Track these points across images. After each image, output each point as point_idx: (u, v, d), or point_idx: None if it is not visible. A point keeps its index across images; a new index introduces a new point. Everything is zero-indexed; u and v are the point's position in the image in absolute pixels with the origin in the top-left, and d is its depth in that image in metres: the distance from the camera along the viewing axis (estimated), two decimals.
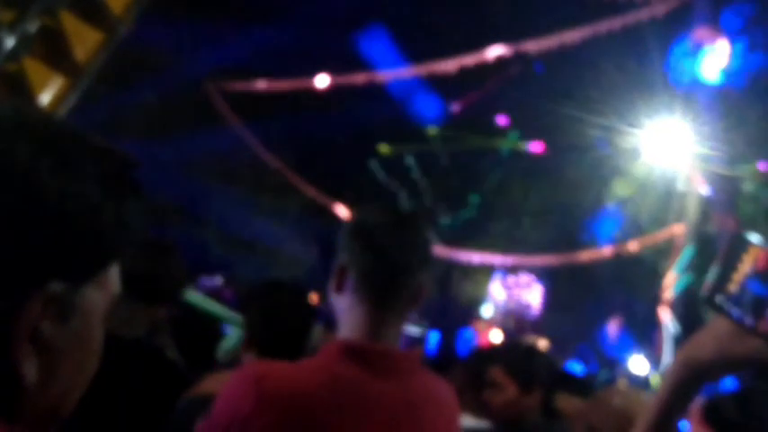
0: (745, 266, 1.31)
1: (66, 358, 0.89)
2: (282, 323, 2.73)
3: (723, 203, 14.21)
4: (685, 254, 14.42)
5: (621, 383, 15.02)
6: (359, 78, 16.02)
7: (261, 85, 17.34)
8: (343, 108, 16.76)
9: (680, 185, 15.78)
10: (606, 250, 18.47)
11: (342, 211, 18.26)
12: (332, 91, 16.43)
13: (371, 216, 1.99)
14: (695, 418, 2.21)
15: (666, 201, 16.92)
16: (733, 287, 1.33)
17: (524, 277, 21.54)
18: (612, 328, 18.69)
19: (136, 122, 16.58)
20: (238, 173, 18.61)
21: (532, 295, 21.74)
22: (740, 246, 1.33)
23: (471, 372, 4.19)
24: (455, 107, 19.09)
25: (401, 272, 1.93)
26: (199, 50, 16.84)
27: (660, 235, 16.76)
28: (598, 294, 19.74)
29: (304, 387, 1.79)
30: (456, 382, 3.33)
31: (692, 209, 15.19)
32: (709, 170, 14.43)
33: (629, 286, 18.89)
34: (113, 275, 0.95)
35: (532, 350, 4.16)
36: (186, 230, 15.99)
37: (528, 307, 21.57)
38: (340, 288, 1.95)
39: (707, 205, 14.95)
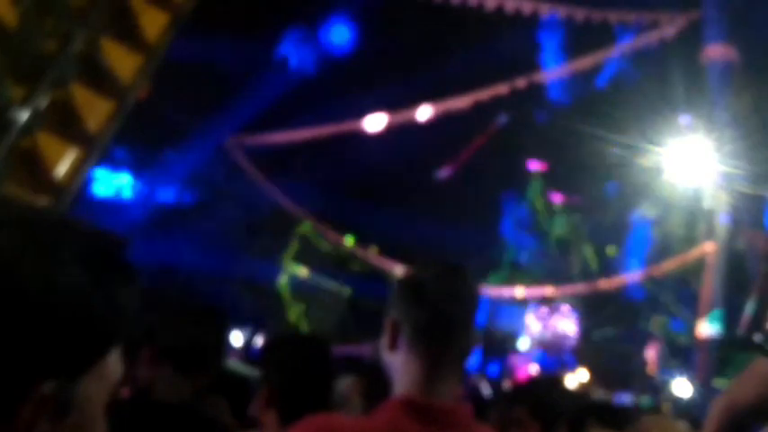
0: None
1: None
2: (305, 379, 2.67)
3: (750, 221, 14.04)
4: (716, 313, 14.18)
5: (665, 408, 14.79)
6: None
7: (280, 137, 17.47)
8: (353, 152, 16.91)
9: (706, 203, 15.63)
10: (637, 274, 18.27)
11: (373, 256, 18.22)
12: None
13: (422, 271, 2.00)
14: None
15: (694, 219, 16.76)
16: None
17: (559, 307, 21.34)
18: (651, 352, 18.43)
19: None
20: (263, 224, 18.69)
21: (568, 325, 21.50)
22: None
23: (502, 413, 4.16)
24: (443, 173, 19.11)
25: (455, 326, 1.94)
26: (217, 110, 17.02)
27: (691, 254, 16.56)
28: (634, 319, 19.50)
29: None
30: (492, 424, 3.30)
31: (720, 226, 15.02)
32: (734, 189, 14.29)
33: (664, 308, 18.64)
34: (113, 362, 0.92)
35: (554, 386, 4.10)
36: (216, 285, 16.06)
37: (565, 337, 21.32)
38: (394, 345, 1.94)
39: (734, 222, 14.77)
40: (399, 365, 1.92)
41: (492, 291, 19.24)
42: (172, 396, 2.69)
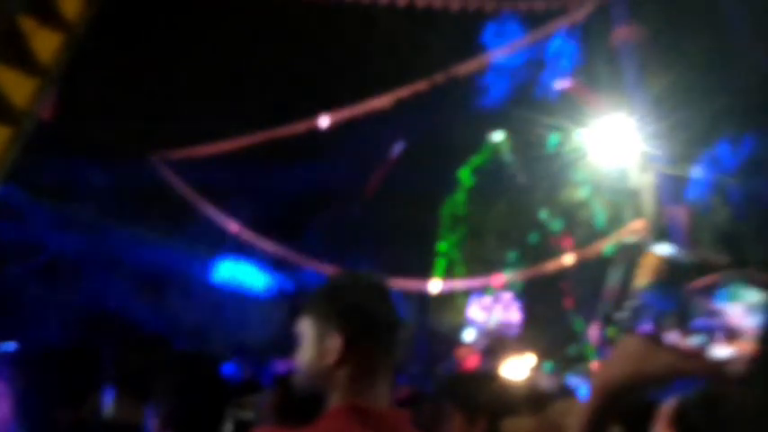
0: (641, 278, 1.27)
1: None
2: (200, 402, 2.64)
3: (671, 196, 14.33)
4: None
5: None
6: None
7: (208, 149, 17.22)
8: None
9: (631, 182, 15.91)
10: (571, 257, 18.53)
11: (308, 262, 18.12)
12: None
13: (351, 285, 2.01)
14: (664, 421, 2.18)
15: (621, 199, 17.06)
16: (633, 301, 1.28)
17: (501, 296, 21.50)
18: (594, 332, 18.66)
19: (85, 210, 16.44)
20: (195, 238, 18.45)
21: (511, 313, 21.67)
22: (634, 257, 1.29)
23: (432, 408, 4.18)
24: (367, 194, 19.15)
25: (395, 332, 1.98)
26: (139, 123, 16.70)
27: (621, 233, 16.85)
28: (574, 302, 19.76)
29: None
30: (424, 418, 3.33)
31: (647, 203, 15.29)
32: (656, 168, 14.61)
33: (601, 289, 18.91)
34: None
35: (479, 378, 4.12)
36: (153, 303, 15.82)
37: (508, 325, 21.49)
38: (343, 361, 1.95)
39: (659, 201, 15.08)
40: (344, 378, 1.93)
41: (433, 285, 19.35)
42: (122, 419, 2.67)
